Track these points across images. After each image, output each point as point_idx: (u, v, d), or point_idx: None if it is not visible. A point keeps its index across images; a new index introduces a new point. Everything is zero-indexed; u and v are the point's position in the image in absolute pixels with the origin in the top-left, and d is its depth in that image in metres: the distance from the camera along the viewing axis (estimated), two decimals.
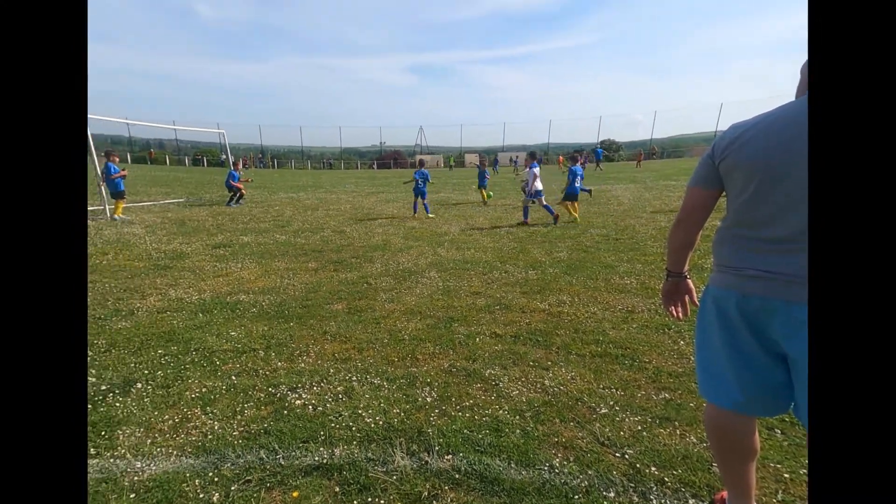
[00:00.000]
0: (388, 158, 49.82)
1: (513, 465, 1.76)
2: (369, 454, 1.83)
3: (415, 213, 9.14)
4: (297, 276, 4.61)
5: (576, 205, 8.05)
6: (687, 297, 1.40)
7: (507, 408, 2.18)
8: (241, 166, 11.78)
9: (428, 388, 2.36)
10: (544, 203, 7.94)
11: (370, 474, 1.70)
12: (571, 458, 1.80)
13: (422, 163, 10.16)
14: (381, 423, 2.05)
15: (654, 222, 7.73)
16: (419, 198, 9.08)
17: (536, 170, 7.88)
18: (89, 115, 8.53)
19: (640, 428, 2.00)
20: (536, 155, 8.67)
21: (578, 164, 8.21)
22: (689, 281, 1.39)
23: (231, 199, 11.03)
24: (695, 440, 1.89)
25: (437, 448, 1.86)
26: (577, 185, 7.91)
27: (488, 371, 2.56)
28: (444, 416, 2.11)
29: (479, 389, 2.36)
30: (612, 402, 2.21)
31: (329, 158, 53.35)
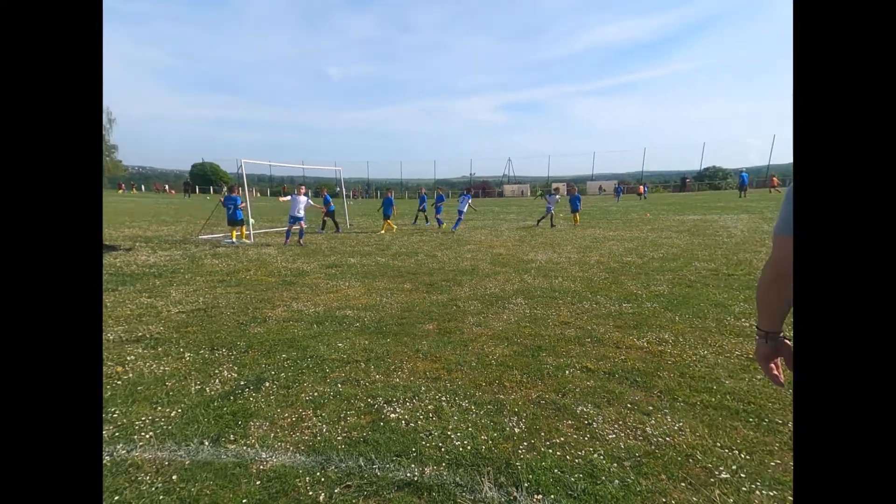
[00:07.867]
0: (477, 188, 51.50)
1: None
2: (457, 479, 1.86)
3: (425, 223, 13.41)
4: (394, 295, 4.97)
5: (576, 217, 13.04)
6: (782, 360, 1.09)
7: (602, 452, 2.03)
8: (325, 193, 12.69)
9: (516, 419, 2.33)
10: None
11: (458, 501, 1.73)
12: None
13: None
14: (469, 448, 2.08)
15: None
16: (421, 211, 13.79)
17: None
18: (244, 160, 10.40)
19: None
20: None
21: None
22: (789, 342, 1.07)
23: (324, 224, 12.32)
24: None
25: (525, 485, 1.81)
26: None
27: (580, 408, 2.42)
28: (533, 450, 2.05)
29: (569, 427, 2.25)
30: (734, 467, 1.90)
31: (422, 189, 57.51)
